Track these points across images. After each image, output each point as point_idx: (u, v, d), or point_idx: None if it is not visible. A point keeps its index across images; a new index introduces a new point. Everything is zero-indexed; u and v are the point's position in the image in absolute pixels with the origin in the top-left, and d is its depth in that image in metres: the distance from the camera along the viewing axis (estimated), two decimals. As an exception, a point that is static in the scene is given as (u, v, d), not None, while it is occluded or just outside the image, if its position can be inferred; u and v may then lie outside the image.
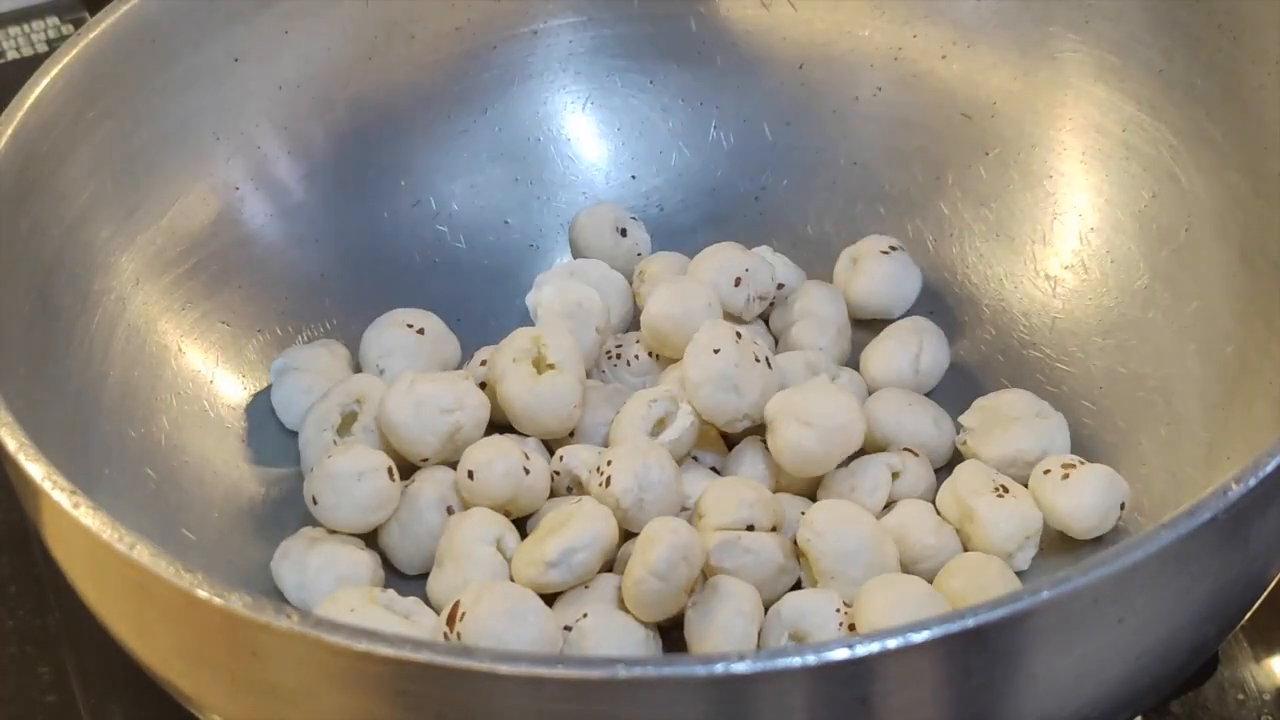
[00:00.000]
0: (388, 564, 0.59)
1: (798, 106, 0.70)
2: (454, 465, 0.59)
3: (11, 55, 0.84)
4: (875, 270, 0.66)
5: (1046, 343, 0.65)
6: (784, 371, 0.60)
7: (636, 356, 0.64)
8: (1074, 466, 0.57)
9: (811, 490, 0.61)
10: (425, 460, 0.60)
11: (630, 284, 0.67)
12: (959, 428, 0.62)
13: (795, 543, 0.57)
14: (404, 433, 0.59)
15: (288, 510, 0.61)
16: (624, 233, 0.68)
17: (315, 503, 0.58)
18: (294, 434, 0.62)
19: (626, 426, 0.59)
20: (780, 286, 0.66)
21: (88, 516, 0.45)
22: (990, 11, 0.67)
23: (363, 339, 0.64)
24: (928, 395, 0.63)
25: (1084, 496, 0.56)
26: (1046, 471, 0.58)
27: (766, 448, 0.60)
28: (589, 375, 0.62)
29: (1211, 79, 0.61)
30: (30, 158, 0.57)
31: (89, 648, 0.61)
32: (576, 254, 0.68)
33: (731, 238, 0.67)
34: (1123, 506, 0.57)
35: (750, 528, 0.56)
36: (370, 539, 0.59)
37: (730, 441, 0.62)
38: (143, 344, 0.60)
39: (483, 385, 0.61)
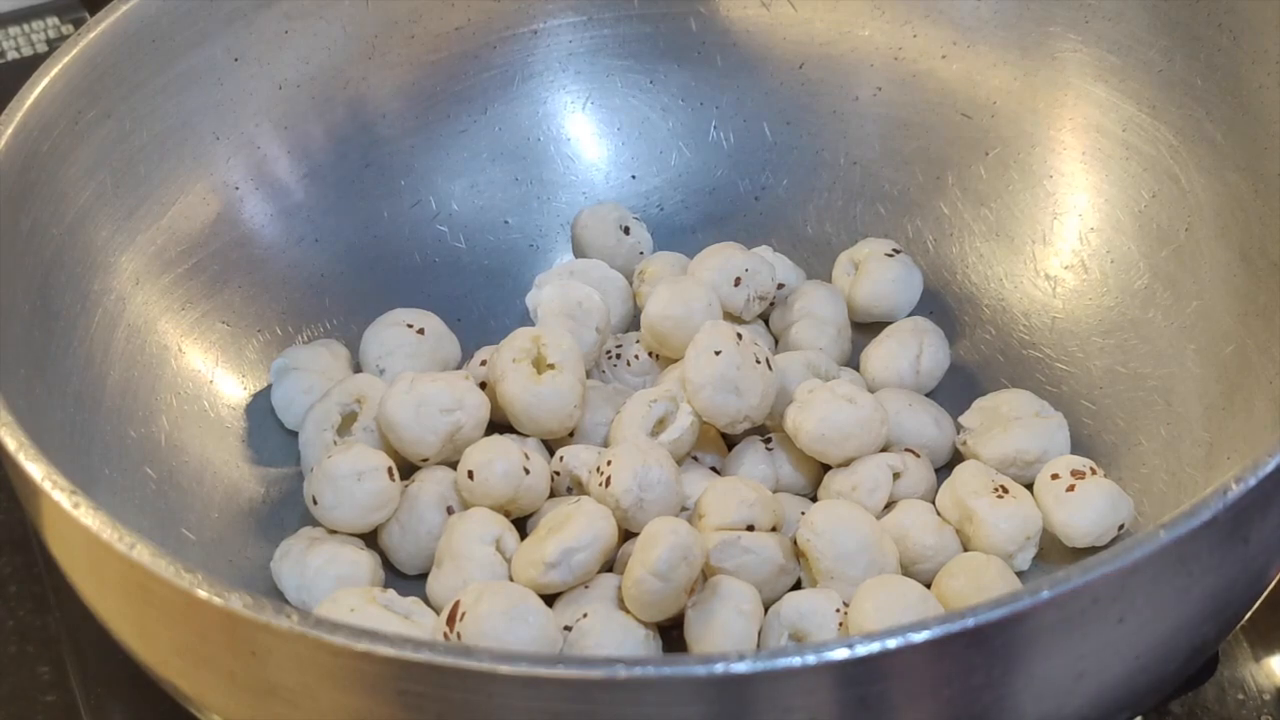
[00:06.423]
0: (388, 564, 0.59)
1: (798, 106, 0.70)
2: (454, 465, 0.59)
3: (11, 55, 0.84)
4: (880, 274, 0.66)
5: (1046, 343, 0.65)
6: (784, 372, 0.60)
7: (636, 356, 0.64)
8: (1083, 476, 0.57)
9: (811, 490, 0.61)
10: (425, 460, 0.60)
11: (630, 284, 0.67)
12: (959, 428, 0.62)
13: (795, 543, 0.57)
14: (404, 433, 0.59)
15: (288, 510, 0.61)
16: (627, 231, 0.68)
17: (315, 503, 0.58)
18: (294, 434, 0.62)
19: (626, 426, 0.59)
20: (780, 286, 0.66)
21: (88, 516, 0.45)
22: (990, 11, 0.67)
23: (363, 339, 0.64)
24: (928, 395, 0.63)
25: (1084, 513, 0.56)
26: (1054, 476, 0.58)
27: (767, 448, 0.60)
28: (589, 375, 0.62)
29: (1211, 79, 0.61)
30: (30, 158, 0.57)
31: (89, 648, 0.61)
32: (579, 252, 0.68)
33: (731, 238, 0.67)
34: (1121, 528, 0.57)
35: (750, 528, 0.56)
36: (370, 539, 0.59)
37: (730, 441, 0.62)
38: (143, 344, 0.60)
39: (483, 385, 0.61)
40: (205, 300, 0.63)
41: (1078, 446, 0.61)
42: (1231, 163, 0.60)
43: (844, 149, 0.70)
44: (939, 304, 0.67)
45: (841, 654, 0.39)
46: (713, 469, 0.61)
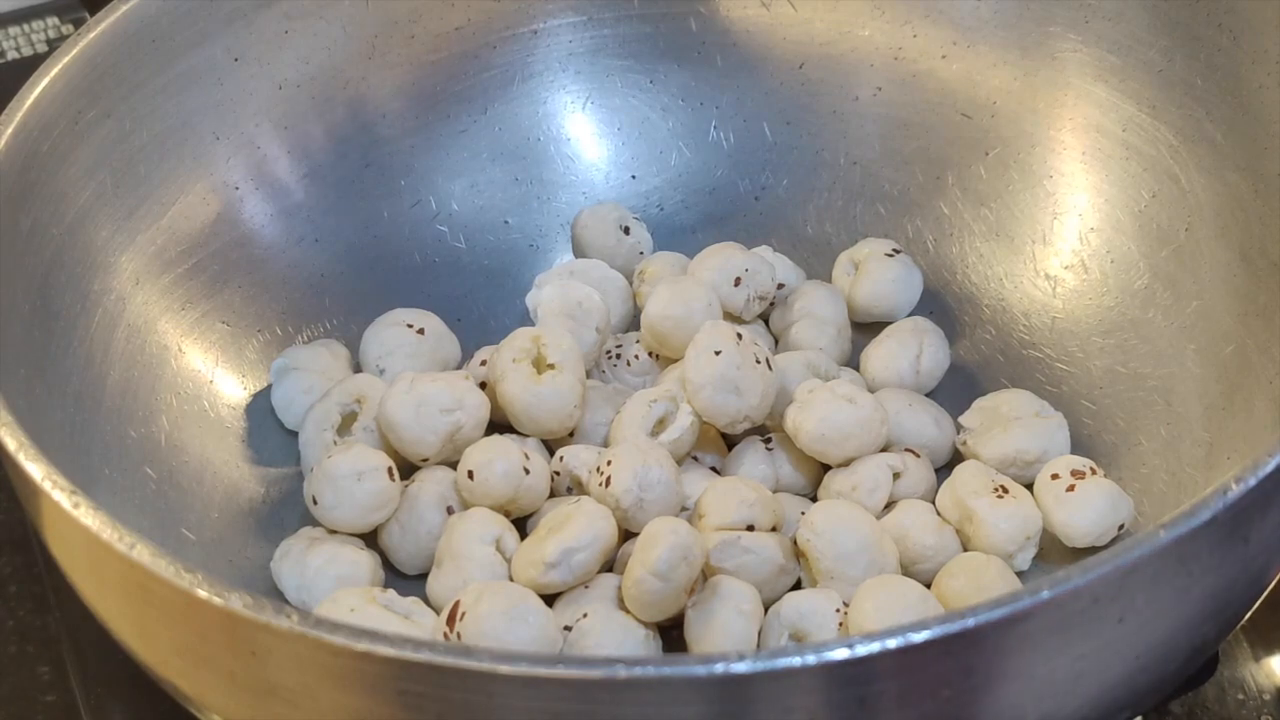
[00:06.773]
0: (388, 564, 0.59)
1: (798, 106, 0.70)
2: (454, 465, 0.59)
3: (11, 55, 0.84)
4: (880, 274, 0.66)
5: (1046, 343, 0.65)
6: (784, 372, 0.60)
7: (636, 356, 0.64)
8: (1083, 476, 0.57)
9: (811, 490, 0.61)
10: (425, 460, 0.60)
11: (630, 284, 0.67)
12: (959, 428, 0.62)
13: (795, 543, 0.57)
14: (404, 433, 0.59)
15: (288, 510, 0.61)
16: (627, 231, 0.68)
17: (315, 503, 0.58)
18: (294, 434, 0.62)
19: (626, 426, 0.59)
20: (780, 286, 0.66)
21: (88, 516, 0.45)
22: (990, 11, 0.67)
23: (363, 339, 0.64)
24: (928, 395, 0.63)
25: (1084, 513, 0.56)
26: (1054, 477, 0.58)
27: (767, 448, 0.60)
28: (589, 375, 0.62)
29: (1211, 79, 0.61)
30: (30, 158, 0.57)
31: (89, 648, 0.61)
32: (579, 252, 0.68)
33: (731, 238, 0.67)
34: (1121, 528, 0.57)
35: (750, 528, 0.56)
36: (370, 539, 0.59)
37: (730, 441, 0.62)
38: (143, 344, 0.60)
39: (483, 385, 0.61)
40: (205, 300, 0.63)
41: (1078, 446, 0.61)
42: (1231, 163, 0.60)
43: (844, 149, 0.70)
44: (939, 304, 0.67)
45: (841, 654, 0.39)
46: (713, 469, 0.61)
